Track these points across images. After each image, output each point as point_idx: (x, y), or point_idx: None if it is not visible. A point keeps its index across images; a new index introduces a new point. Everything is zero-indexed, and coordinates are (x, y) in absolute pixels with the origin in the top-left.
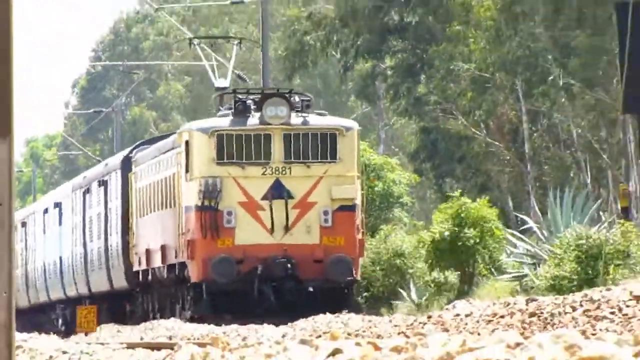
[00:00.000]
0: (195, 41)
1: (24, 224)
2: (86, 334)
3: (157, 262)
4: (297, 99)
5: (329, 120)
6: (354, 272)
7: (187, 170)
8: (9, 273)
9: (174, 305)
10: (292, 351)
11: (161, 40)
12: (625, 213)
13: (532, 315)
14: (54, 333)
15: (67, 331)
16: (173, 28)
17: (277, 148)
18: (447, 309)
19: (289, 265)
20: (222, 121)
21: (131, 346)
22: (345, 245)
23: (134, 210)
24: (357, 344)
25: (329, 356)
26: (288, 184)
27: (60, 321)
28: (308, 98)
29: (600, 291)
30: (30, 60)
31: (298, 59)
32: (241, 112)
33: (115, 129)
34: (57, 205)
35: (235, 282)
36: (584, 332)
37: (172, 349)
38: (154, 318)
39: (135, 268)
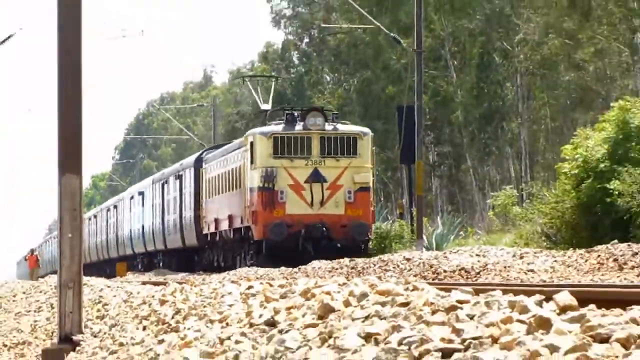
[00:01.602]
0: (247, 79)
1: (115, 207)
2: (121, 277)
3: (224, 226)
4: (329, 113)
5: (352, 127)
6: (369, 234)
7: (252, 162)
8: (80, 247)
9: (235, 257)
10: (227, 286)
11: (163, 123)
12: (401, 216)
13: (352, 268)
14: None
15: (145, 270)
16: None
17: (315, 146)
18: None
19: (324, 228)
20: (277, 128)
21: (144, 283)
22: (362, 215)
23: (203, 194)
24: (261, 283)
25: (247, 288)
26: (323, 172)
27: (140, 265)
28: (337, 113)
29: (388, 256)
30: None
31: None
32: (290, 121)
33: (136, 171)
34: (141, 193)
35: (285, 240)
36: (379, 278)
37: (165, 284)
38: (218, 266)
39: (205, 232)
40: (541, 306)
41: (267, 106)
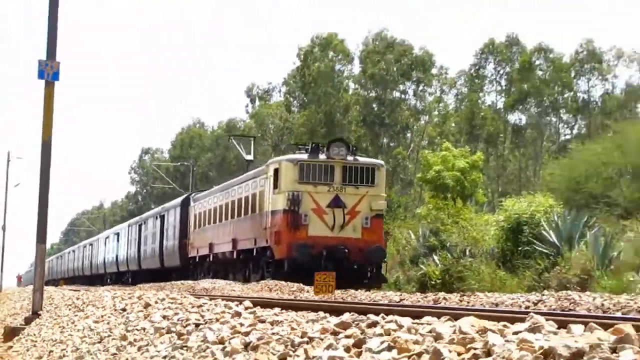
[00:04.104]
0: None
1: (91, 244)
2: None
3: (223, 249)
4: (350, 145)
5: (370, 160)
6: (385, 256)
7: (275, 187)
8: (43, 274)
9: (239, 274)
10: (105, 293)
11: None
12: None
13: None
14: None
15: (113, 284)
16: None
17: (338, 174)
18: None
19: (345, 250)
20: (302, 156)
21: (70, 289)
22: (377, 239)
23: (191, 225)
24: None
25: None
26: (343, 198)
27: (108, 280)
28: (356, 147)
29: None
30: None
31: None
32: (315, 150)
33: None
34: (116, 234)
35: (309, 259)
36: None
37: (79, 290)
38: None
39: (192, 255)
40: None
41: (250, 157)
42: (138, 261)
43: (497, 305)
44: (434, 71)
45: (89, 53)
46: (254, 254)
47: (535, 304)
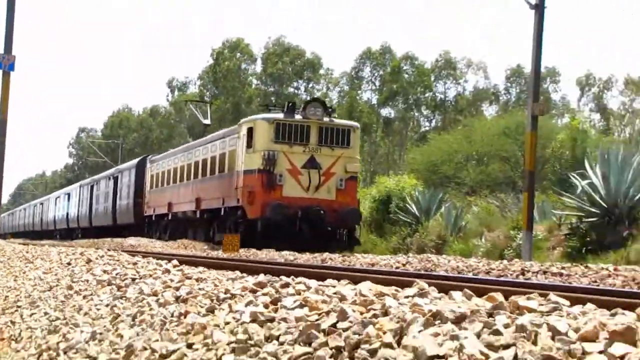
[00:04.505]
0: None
1: (41, 204)
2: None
3: (184, 208)
4: (326, 106)
5: (345, 122)
6: (360, 219)
7: (248, 146)
8: None
9: (201, 232)
10: (51, 249)
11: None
12: None
13: None
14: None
15: (62, 239)
16: None
17: (314, 135)
18: None
19: (322, 211)
20: (278, 115)
21: (20, 243)
22: (351, 201)
23: (147, 186)
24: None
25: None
26: (319, 159)
27: (57, 236)
28: (333, 108)
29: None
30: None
31: None
32: (290, 110)
33: None
34: (67, 194)
35: (284, 220)
36: None
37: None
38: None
39: (148, 214)
40: None
41: (207, 121)
42: (89, 219)
43: (373, 265)
44: (321, 72)
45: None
46: (222, 213)
47: (404, 265)
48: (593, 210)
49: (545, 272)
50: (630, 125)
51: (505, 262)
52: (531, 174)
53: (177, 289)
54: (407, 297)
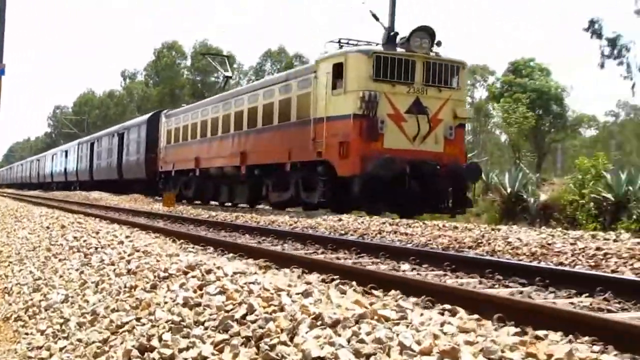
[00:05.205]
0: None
1: (38, 160)
2: None
3: (219, 163)
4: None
5: (454, 56)
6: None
7: (336, 87)
8: None
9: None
10: (38, 208)
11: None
12: None
13: None
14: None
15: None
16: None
17: (419, 72)
18: None
19: (437, 167)
20: (376, 48)
21: (13, 198)
22: (459, 154)
23: (164, 141)
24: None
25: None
26: (425, 102)
27: (55, 187)
28: (440, 40)
29: None
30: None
31: None
32: (392, 40)
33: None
34: (64, 151)
35: (391, 177)
36: None
37: (19, 201)
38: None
39: (163, 169)
40: None
41: (229, 73)
42: (90, 173)
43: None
44: (235, 65)
45: (30, 34)
46: (287, 169)
47: None
48: None
49: None
50: None
51: None
52: None
53: (129, 262)
54: (297, 293)
